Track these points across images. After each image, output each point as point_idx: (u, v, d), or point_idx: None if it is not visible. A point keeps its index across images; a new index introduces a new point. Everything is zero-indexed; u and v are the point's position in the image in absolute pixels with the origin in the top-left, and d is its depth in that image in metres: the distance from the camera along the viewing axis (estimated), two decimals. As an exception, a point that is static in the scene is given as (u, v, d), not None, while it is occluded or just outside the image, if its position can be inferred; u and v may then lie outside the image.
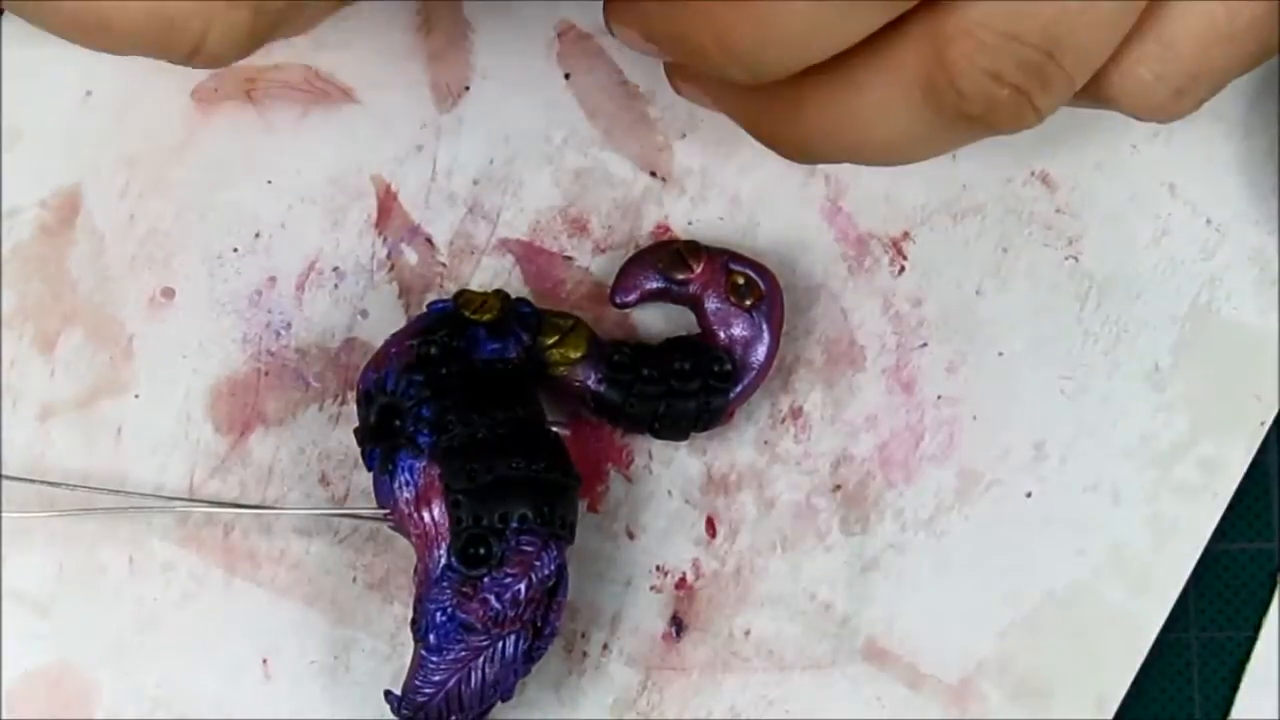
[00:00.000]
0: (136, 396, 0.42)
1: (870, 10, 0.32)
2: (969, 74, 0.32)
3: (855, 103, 0.34)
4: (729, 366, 0.40)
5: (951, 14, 0.31)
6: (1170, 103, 0.35)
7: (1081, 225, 0.43)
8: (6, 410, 0.41)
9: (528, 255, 0.43)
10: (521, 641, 0.38)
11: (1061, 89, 0.32)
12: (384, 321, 0.42)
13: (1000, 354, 0.43)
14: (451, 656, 0.38)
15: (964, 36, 0.31)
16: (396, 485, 0.39)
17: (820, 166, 0.43)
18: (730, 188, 0.43)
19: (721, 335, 0.41)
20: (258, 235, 0.42)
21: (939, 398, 0.42)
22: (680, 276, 0.41)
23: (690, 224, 0.43)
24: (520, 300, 0.41)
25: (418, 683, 0.38)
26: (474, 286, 0.42)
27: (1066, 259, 0.43)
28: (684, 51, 0.35)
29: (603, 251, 0.43)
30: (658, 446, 0.42)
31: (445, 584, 0.38)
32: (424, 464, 0.38)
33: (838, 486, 0.42)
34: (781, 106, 0.35)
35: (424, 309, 0.41)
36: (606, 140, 0.43)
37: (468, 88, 0.43)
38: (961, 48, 0.31)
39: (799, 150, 0.36)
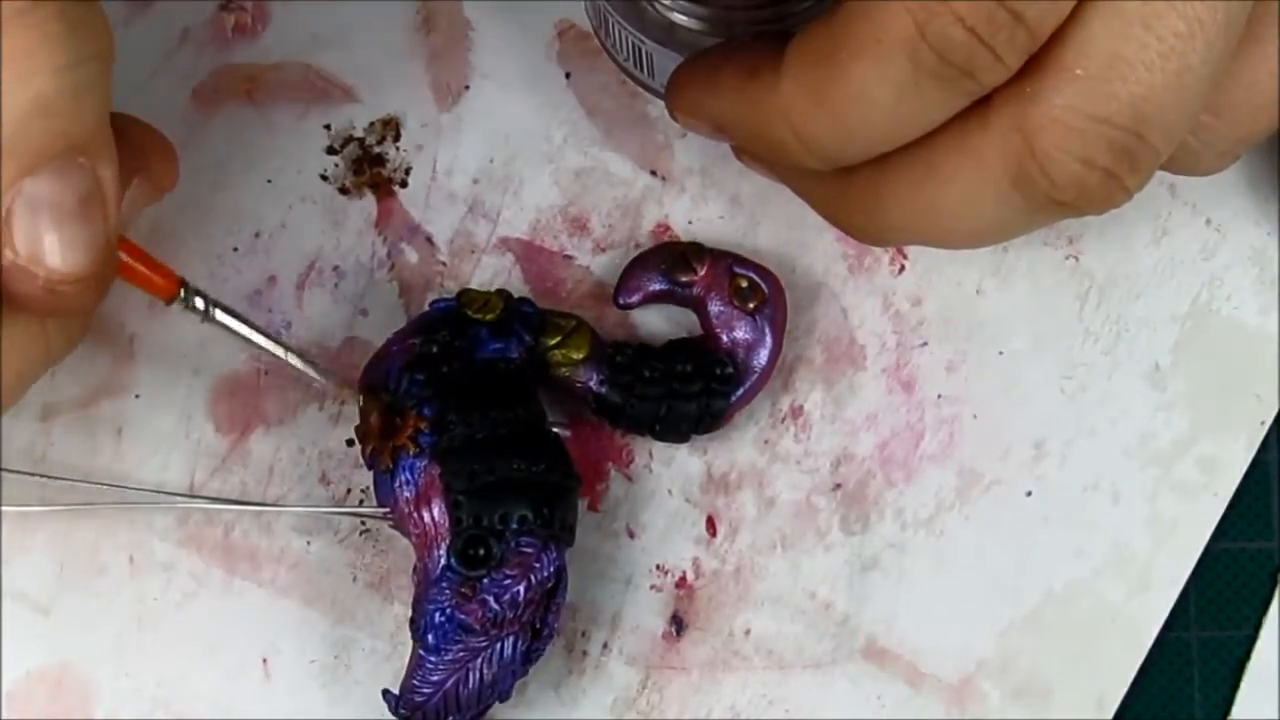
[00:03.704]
0: (137, 396, 0.42)
1: (949, 96, 0.31)
2: (1061, 161, 0.31)
3: (941, 194, 0.33)
4: (730, 369, 0.40)
5: (1037, 102, 0.31)
6: (1214, 164, 0.35)
7: (1081, 225, 0.43)
8: (7, 410, 0.41)
9: (528, 254, 0.43)
10: (520, 643, 0.38)
11: (1150, 167, 0.32)
12: (384, 320, 0.42)
13: (1000, 353, 0.42)
14: (450, 657, 0.38)
15: (1053, 124, 0.31)
16: (397, 485, 0.38)
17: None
18: (730, 187, 0.43)
19: (724, 338, 0.41)
20: (258, 235, 0.42)
21: (939, 397, 0.42)
22: (684, 279, 0.41)
23: (690, 223, 0.43)
24: (523, 300, 0.41)
25: (415, 682, 0.38)
26: (474, 285, 0.42)
27: (1066, 259, 0.43)
28: (759, 144, 0.35)
29: (603, 251, 0.43)
30: (658, 446, 0.42)
31: (445, 584, 0.38)
32: (424, 464, 0.38)
33: (838, 486, 0.42)
34: (858, 195, 0.35)
35: (426, 308, 0.41)
36: (606, 139, 0.43)
37: (468, 87, 0.43)
38: (1052, 136, 0.31)
39: (875, 236, 0.36)
